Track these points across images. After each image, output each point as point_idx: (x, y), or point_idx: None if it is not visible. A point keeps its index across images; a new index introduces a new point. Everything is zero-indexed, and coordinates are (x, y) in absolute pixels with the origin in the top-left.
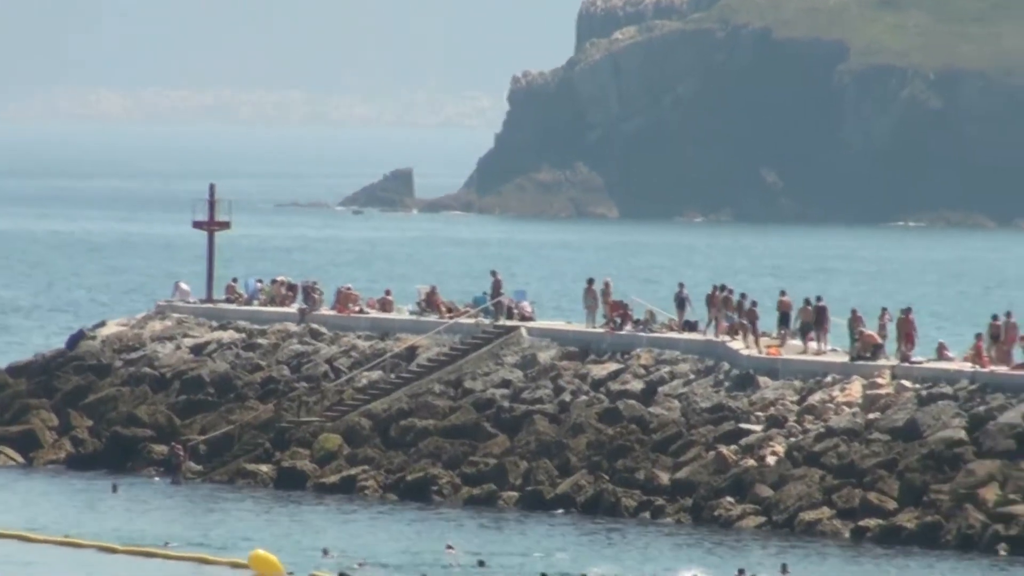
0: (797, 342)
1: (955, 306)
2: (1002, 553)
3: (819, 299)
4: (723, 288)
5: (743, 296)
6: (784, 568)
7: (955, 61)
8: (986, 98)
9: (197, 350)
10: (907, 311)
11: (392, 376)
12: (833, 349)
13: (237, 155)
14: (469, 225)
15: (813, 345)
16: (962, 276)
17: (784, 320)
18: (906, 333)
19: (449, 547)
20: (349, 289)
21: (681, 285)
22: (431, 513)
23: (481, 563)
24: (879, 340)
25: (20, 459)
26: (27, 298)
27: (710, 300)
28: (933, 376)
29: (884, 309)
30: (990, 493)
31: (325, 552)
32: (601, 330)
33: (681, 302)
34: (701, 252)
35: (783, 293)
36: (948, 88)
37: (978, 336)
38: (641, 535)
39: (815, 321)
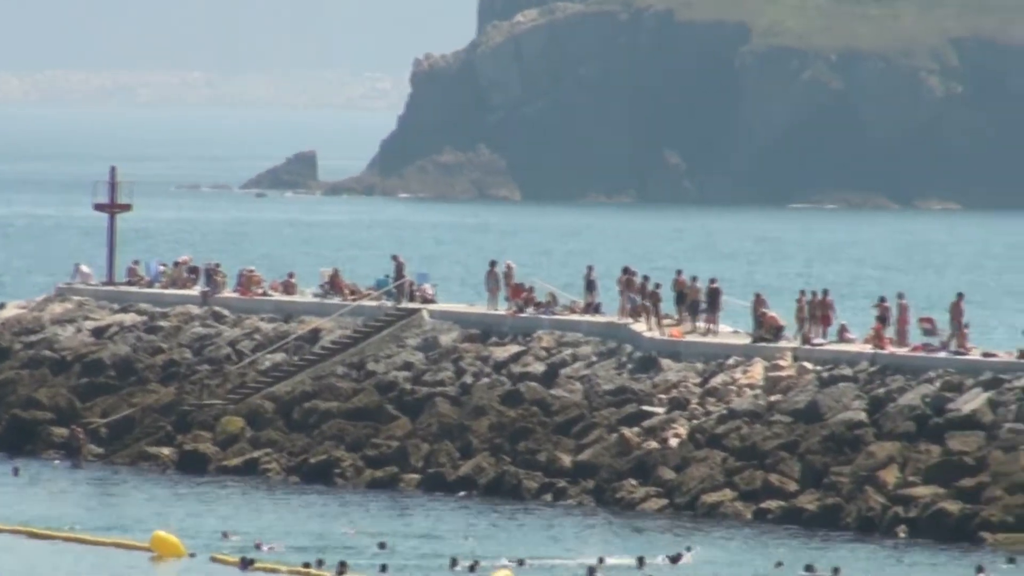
0: (700, 324)
1: (855, 287)
2: (901, 535)
3: (712, 281)
4: (626, 270)
5: (646, 278)
6: (688, 550)
7: (855, 42)
8: (886, 79)
9: (98, 333)
10: (824, 293)
11: (295, 358)
12: (735, 331)
13: (138, 138)
14: (372, 207)
15: (703, 325)
16: (863, 259)
17: (680, 300)
18: (823, 315)
19: (349, 529)
20: (252, 272)
21: (590, 268)
22: (333, 495)
23: (382, 545)
24: (781, 323)
25: None
26: None
27: (627, 283)
28: (834, 358)
29: (802, 292)
30: (890, 475)
31: (225, 535)
32: (503, 312)
33: (590, 284)
34: (605, 234)
35: (679, 273)
36: (848, 69)
37: (878, 318)
38: (544, 517)
39: (709, 302)
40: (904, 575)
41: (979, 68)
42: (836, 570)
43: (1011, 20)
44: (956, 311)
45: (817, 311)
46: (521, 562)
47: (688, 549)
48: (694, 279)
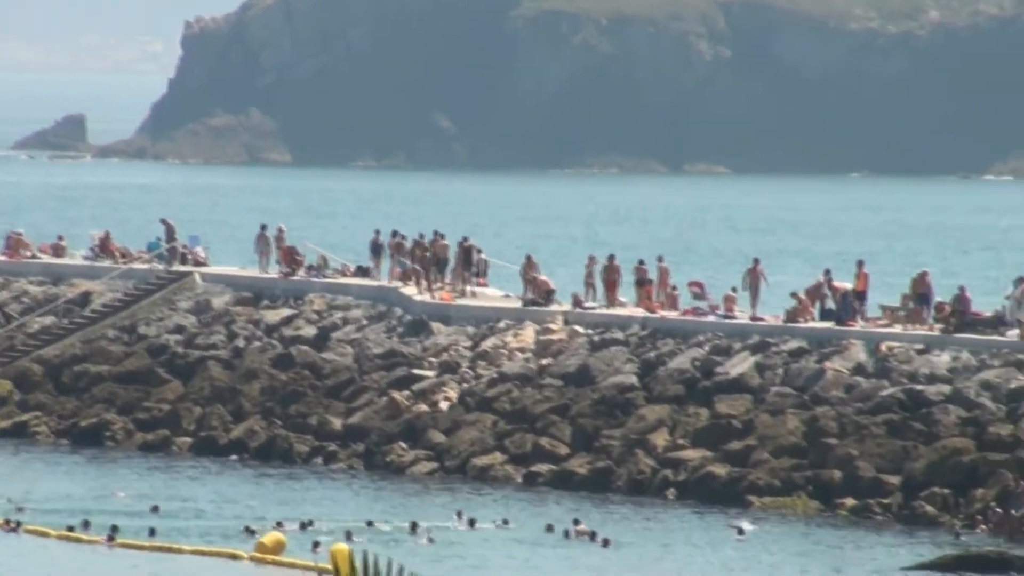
0: (469, 287)
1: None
2: (670, 497)
3: (465, 239)
4: (395, 234)
5: (416, 242)
6: (459, 514)
7: (625, 7)
8: (655, 43)
9: None
10: (611, 258)
11: (65, 322)
12: (506, 295)
13: None
14: (143, 171)
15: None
16: (634, 220)
17: (441, 265)
18: (610, 280)
19: (119, 493)
20: (20, 235)
21: (377, 232)
22: (104, 459)
23: (155, 508)
24: (552, 286)
25: None
26: None
27: (397, 247)
28: (605, 322)
29: (591, 256)
30: (659, 438)
31: None
32: (274, 276)
33: (376, 249)
34: (375, 198)
35: (441, 237)
36: (619, 33)
37: (648, 282)
38: (314, 481)
39: (463, 260)
40: (671, 538)
41: (746, 33)
42: (594, 534)
43: None
44: (754, 276)
45: (604, 276)
46: (304, 525)
47: (459, 514)
48: (440, 235)
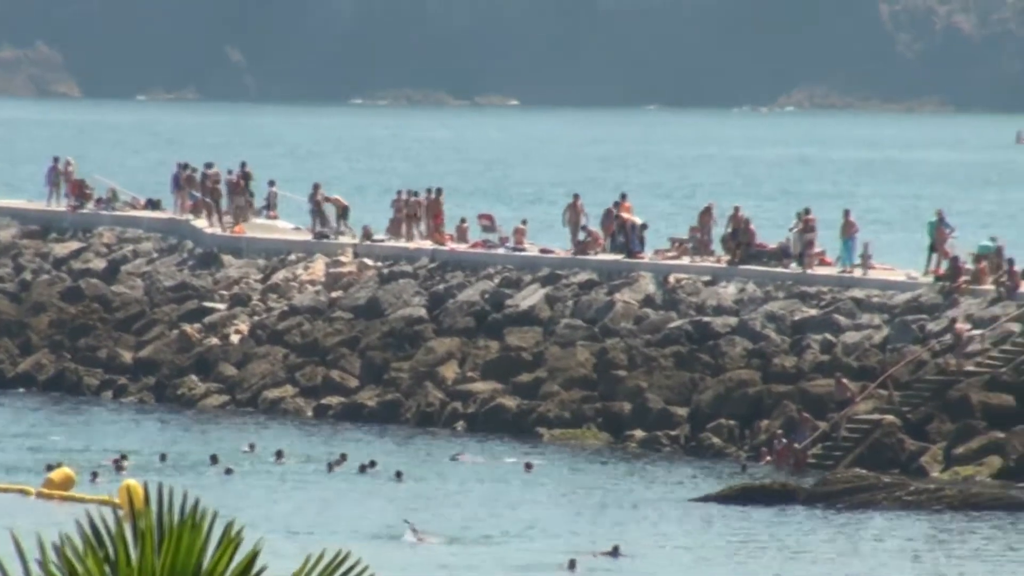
0: (260, 220)
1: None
2: (460, 430)
3: (243, 164)
4: (186, 166)
5: (205, 174)
6: (252, 447)
7: None
8: None
9: None
10: (439, 192)
11: None
12: (296, 228)
13: None
14: None
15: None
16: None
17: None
18: (436, 214)
19: None
20: None
21: (180, 166)
22: None
23: None
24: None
25: None
26: None
27: (188, 180)
28: (394, 255)
29: (399, 192)
30: (449, 371)
31: None
32: (63, 208)
33: (177, 183)
34: (166, 130)
35: (229, 172)
36: None
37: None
38: (106, 414)
39: (231, 191)
40: (459, 471)
41: None
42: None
43: None
44: (573, 211)
45: (416, 211)
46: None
47: (252, 447)
48: (209, 165)
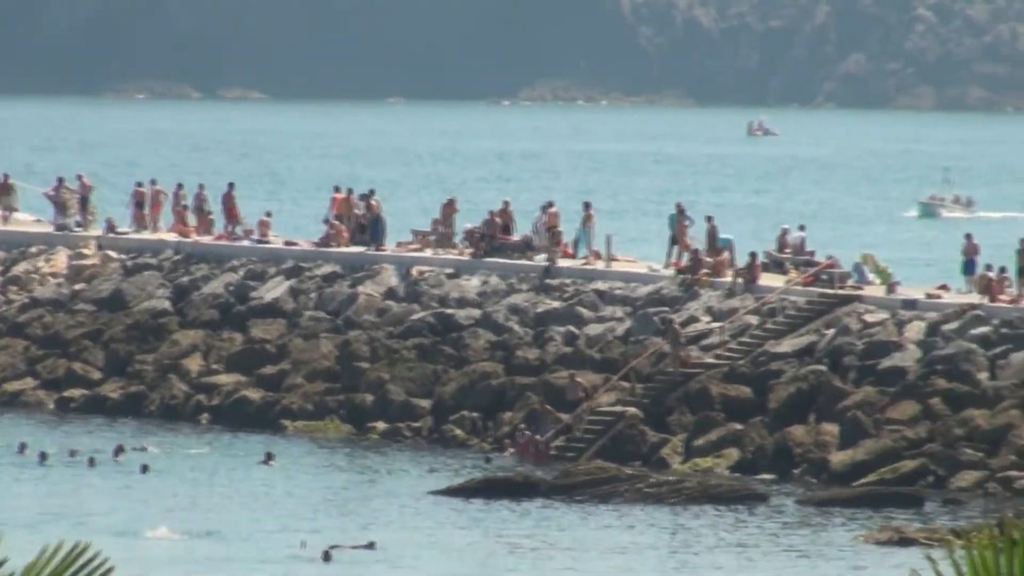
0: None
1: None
2: (204, 422)
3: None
4: None
5: None
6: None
7: None
8: None
9: None
10: (231, 186)
11: None
12: (37, 220)
13: None
14: None
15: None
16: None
17: None
18: (231, 207)
19: None
20: None
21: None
22: None
23: None
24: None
25: None
26: None
27: None
28: (138, 247)
29: (180, 184)
30: (193, 363)
31: None
32: None
33: None
34: None
35: None
36: None
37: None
38: None
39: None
40: (203, 463)
41: None
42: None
43: None
44: (346, 206)
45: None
46: None
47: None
48: None
